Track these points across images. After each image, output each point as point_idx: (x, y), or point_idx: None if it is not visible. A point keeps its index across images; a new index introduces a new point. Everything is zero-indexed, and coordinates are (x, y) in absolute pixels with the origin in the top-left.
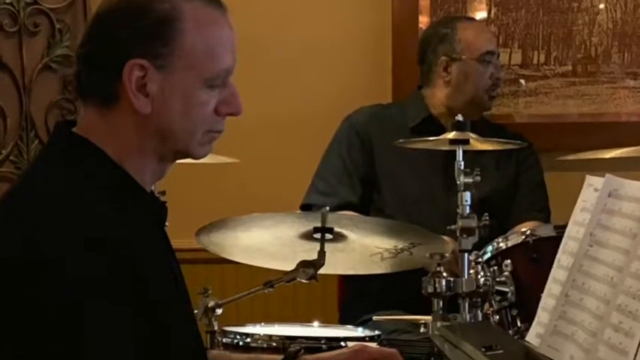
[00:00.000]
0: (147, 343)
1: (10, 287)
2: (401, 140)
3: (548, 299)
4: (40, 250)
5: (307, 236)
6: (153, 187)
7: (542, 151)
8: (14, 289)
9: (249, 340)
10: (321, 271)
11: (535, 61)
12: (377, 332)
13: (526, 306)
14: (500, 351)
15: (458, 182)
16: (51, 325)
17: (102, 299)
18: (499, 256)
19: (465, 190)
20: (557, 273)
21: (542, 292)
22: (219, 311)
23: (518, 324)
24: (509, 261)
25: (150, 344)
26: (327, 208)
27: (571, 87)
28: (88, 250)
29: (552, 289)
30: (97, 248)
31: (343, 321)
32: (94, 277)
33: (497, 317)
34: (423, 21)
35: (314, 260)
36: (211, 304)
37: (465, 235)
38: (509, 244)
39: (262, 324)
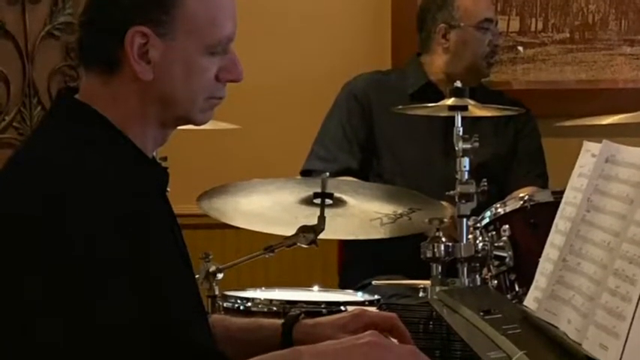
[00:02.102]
0: (147, 308)
1: (9, 249)
2: (400, 107)
3: (545, 264)
4: (42, 215)
5: (307, 201)
6: (154, 153)
7: (539, 117)
8: (13, 250)
9: (249, 304)
10: (321, 236)
11: (533, 29)
12: (376, 297)
13: (524, 271)
14: (499, 315)
15: (456, 148)
16: (50, 287)
17: (102, 263)
18: (497, 221)
19: (463, 156)
20: (555, 238)
21: (539, 256)
22: (220, 276)
23: (517, 288)
24: (507, 226)
25: (151, 308)
26: (327, 173)
27: (568, 54)
28: (89, 215)
29: (550, 253)
30: (99, 214)
31: (343, 285)
32: (94, 240)
33: (496, 282)
34: None
35: (314, 225)
36: (212, 268)
37: (463, 201)
38: (508, 209)
39: (263, 288)
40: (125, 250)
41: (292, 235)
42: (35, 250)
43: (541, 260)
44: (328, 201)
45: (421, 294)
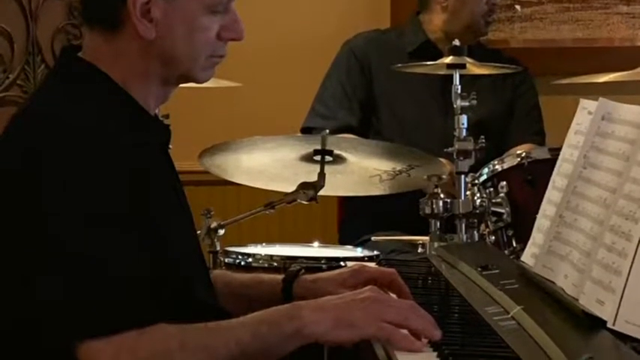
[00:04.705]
0: (149, 264)
1: (8, 199)
2: (399, 65)
3: (542, 220)
4: (40, 164)
5: (308, 158)
6: (157, 111)
7: (536, 75)
8: (11, 200)
9: (250, 260)
10: (321, 192)
11: None
12: (375, 252)
13: (521, 227)
14: (496, 270)
15: (455, 106)
16: (49, 242)
17: (101, 217)
18: (495, 177)
19: (461, 114)
20: (552, 194)
21: (537, 213)
22: (221, 232)
23: (514, 244)
24: (504, 183)
25: (152, 264)
26: (327, 131)
27: (565, 13)
28: (88, 170)
29: (547, 210)
30: (98, 168)
31: (342, 241)
32: (93, 193)
33: (493, 238)
34: None
35: (314, 182)
36: (214, 224)
37: (461, 158)
38: (505, 166)
39: (263, 244)
40: (125, 205)
41: (292, 192)
42: (33, 206)
43: (538, 216)
44: (328, 158)
45: (420, 250)
